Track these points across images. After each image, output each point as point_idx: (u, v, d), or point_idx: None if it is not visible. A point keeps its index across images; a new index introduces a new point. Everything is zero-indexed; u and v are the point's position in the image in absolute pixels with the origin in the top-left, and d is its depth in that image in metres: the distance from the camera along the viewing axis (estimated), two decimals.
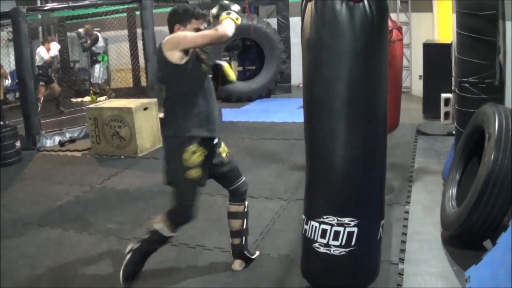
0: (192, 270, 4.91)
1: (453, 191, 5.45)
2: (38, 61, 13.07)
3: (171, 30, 4.39)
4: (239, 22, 4.24)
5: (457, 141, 6.03)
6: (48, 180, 8.12)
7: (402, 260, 4.82)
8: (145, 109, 9.14)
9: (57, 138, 10.30)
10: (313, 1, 3.72)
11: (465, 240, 4.87)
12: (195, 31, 4.27)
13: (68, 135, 10.47)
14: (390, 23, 6.20)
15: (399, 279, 4.51)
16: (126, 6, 13.02)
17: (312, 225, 3.97)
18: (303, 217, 4.14)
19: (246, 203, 4.95)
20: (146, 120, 9.15)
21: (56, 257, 5.32)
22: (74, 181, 7.91)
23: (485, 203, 4.45)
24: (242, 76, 14.86)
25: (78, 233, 5.93)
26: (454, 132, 7.64)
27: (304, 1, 3.87)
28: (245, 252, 4.92)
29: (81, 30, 13.58)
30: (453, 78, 9.69)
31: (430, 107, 10.22)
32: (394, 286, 4.43)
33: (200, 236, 5.64)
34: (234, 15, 4.19)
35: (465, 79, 5.77)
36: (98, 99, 13.52)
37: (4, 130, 9.06)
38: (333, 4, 3.64)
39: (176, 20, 4.35)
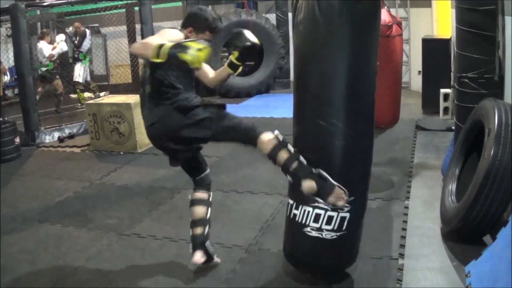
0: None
1: (452, 186, 5.46)
2: (41, 58, 13.05)
3: (184, 27, 4.44)
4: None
5: (457, 136, 6.04)
6: (47, 176, 8.12)
7: (402, 255, 4.82)
8: None
9: (56, 134, 10.29)
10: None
11: (464, 235, 4.88)
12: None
13: (67, 131, 10.46)
14: (389, 18, 6.23)
15: (399, 274, 4.51)
16: (125, 1, 13.01)
17: (305, 210, 4.08)
18: (291, 201, 4.23)
19: (211, 193, 4.89)
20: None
21: (55, 253, 5.32)
22: (73, 177, 7.91)
23: (484, 198, 4.45)
24: (241, 71, 14.83)
25: (77, 229, 5.93)
26: (453, 127, 7.66)
27: None
28: (206, 244, 4.79)
29: (70, 29, 13.50)
30: (452, 73, 9.69)
31: (429, 102, 10.21)
32: (394, 281, 4.43)
33: None
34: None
35: (465, 74, 5.77)
36: (86, 95, 13.50)
37: (3, 126, 9.05)
38: (337, 3, 3.78)
39: (193, 23, 4.40)
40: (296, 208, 4.14)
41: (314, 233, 4.06)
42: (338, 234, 4.07)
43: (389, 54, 6.15)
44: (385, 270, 4.59)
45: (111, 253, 5.28)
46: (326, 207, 3.99)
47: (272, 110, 11.64)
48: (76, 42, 13.41)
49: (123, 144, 9.05)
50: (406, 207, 5.91)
